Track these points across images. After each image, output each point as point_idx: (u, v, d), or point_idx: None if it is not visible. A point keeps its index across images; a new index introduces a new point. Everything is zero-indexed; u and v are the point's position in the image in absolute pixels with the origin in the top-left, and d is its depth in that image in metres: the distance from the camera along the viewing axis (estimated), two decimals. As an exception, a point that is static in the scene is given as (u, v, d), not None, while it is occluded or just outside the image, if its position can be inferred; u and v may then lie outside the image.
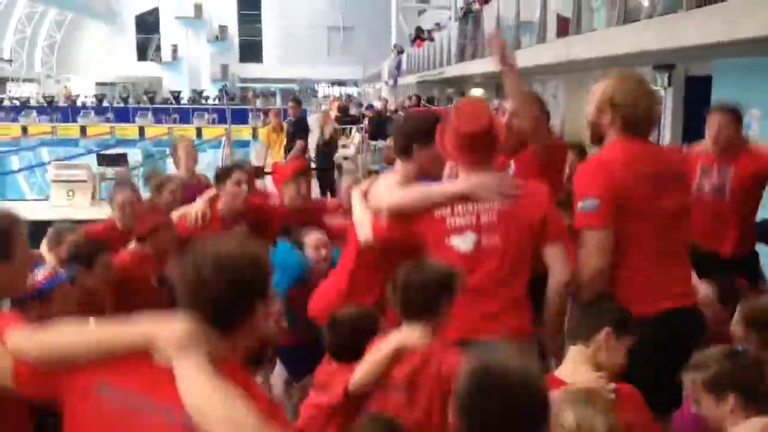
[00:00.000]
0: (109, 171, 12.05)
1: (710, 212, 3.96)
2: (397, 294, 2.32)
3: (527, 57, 10.19)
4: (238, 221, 4.17)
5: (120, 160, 12.18)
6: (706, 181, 4.06)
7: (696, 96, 8.12)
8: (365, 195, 2.89)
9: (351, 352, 2.46)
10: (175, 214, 4.17)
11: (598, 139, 2.74)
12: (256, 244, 1.73)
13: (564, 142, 3.92)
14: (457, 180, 2.63)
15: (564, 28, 8.77)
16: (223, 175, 4.26)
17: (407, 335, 2.24)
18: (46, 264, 2.85)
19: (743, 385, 2.08)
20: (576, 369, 2.21)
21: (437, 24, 23.21)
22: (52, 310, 2.60)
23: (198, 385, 1.47)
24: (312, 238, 3.91)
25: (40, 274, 2.73)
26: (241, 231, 3.99)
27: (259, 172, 10.36)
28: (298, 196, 4.30)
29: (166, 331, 1.55)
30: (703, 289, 3.07)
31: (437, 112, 3.15)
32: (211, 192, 4.29)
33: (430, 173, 2.81)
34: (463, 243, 2.52)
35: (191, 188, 5.18)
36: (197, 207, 4.13)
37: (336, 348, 2.56)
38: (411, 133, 2.83)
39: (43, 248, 3.93)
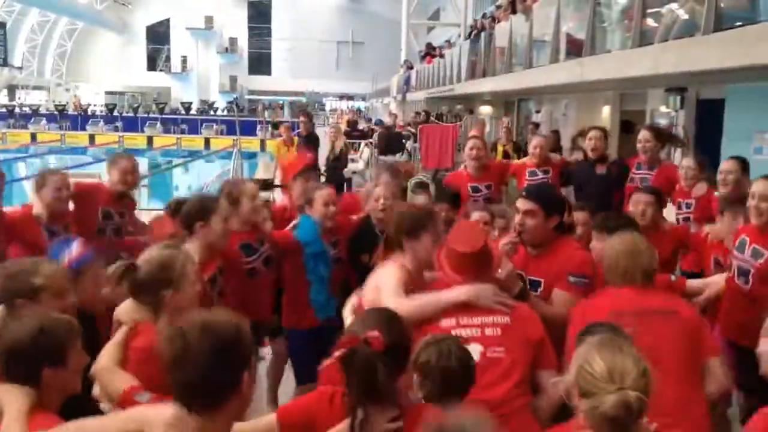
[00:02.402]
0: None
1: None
2: None
3: (539, 76, 10.24)
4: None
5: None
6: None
7: (707, 119, 8.14)
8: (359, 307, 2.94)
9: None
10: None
11: None
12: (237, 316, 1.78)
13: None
14: (458, 288, 2.68)
15: (575, 48, 8.80)
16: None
17: None
18: (77, 242, 2.89)
19: None
20: None
21: (447, 41, 23.33)
22: (84, 287, 2.71)
23: None
24: (322, 193, 3.98)
25: (72, 252, 2.80)
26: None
27: (267, 185, 10.42)
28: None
29: (151, 414, 1.68)
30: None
31: (429, 209, 3.21)
32: None
33: (427, 263, 2.91)
34: None
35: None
36: None
37: None
38: (400, 228, 2.95)
39: (30, 192, 4.09)
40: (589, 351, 1.85)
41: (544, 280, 3.13)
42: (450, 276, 2.74)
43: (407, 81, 25.31)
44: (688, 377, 2.60)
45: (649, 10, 6.78)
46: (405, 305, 2.59)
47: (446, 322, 2.58)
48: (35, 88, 44.52)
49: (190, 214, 3.24)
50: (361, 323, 2.07)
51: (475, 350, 2.49)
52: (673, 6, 6.43)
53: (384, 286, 2.78)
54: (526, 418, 2.51)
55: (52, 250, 2.96)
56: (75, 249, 2.83)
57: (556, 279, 3.10)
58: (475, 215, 4.03)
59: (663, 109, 8.95)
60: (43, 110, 33.87)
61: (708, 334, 2.80)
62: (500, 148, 11.95)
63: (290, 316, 4.11)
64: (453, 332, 2.51)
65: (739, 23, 5.29)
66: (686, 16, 6.20)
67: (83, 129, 30.13)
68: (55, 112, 32.24)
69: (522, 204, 3.21)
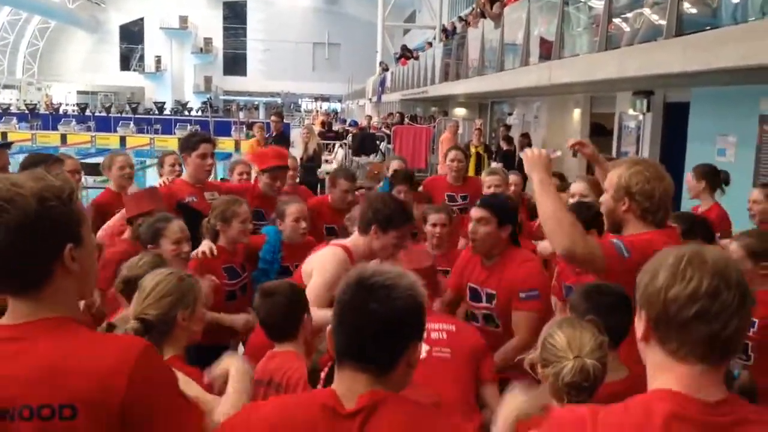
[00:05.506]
0: (90, 179, 11.94)
1: None
2: None
3: (510, 79, 10.36)
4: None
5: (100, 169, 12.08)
6: None
7: (674, 122, 8.29)
8: None
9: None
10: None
11: (614, 226, 2.59)
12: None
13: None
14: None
15: (547, 50, 8.92)
16: (188, 146, 4.24)
17: None
18: None
19: None
20: None
21: (429, 43, 23.44)
22: None
23: None
24: (294, 208, 3.88)
25: None
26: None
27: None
28: (273, 185, 4.40)
29: None
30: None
31: (409, 206, 3.20)
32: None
33: (373, 257, 2.85)
34: None
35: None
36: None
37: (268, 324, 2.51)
38: (374, 214, 2.89)
39: None
40: (551, 327, 2.00)
41: (497, 292, 3.12)
42: None
43: (382, 83, 25.38)
44: None
45: (616, 16, 6.91)
46: (317, 315, 2.57)
47: None
48: (6, 87, 43.80)
49: (142, 238, 3.28)
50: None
51: (422, 349, 2.52)
52: (639, 11, 6.56)
53: (314, 279, 2.83)
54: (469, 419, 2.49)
55: None
56: None
57: (508, 294, 3.08)
58: (433, 217, 3.92)
59: (631, 111, 9.10)
60: (13, 109, 33.36)
61: None
62: (473, 150, 12.05)
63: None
64: None
65: (703, 28, 5.41)
66: (651, 21, 6.32)
67: (55, 129, 29.69)
68: (26, 112, 31.78)
69: (475, 212, 3.17)
